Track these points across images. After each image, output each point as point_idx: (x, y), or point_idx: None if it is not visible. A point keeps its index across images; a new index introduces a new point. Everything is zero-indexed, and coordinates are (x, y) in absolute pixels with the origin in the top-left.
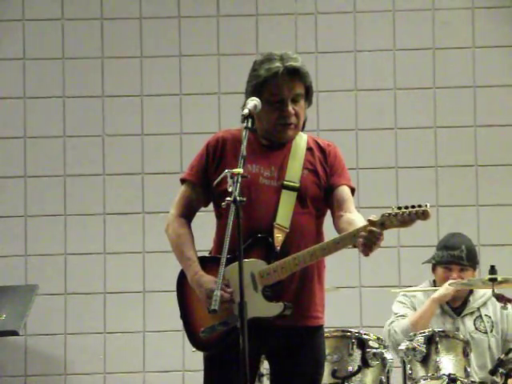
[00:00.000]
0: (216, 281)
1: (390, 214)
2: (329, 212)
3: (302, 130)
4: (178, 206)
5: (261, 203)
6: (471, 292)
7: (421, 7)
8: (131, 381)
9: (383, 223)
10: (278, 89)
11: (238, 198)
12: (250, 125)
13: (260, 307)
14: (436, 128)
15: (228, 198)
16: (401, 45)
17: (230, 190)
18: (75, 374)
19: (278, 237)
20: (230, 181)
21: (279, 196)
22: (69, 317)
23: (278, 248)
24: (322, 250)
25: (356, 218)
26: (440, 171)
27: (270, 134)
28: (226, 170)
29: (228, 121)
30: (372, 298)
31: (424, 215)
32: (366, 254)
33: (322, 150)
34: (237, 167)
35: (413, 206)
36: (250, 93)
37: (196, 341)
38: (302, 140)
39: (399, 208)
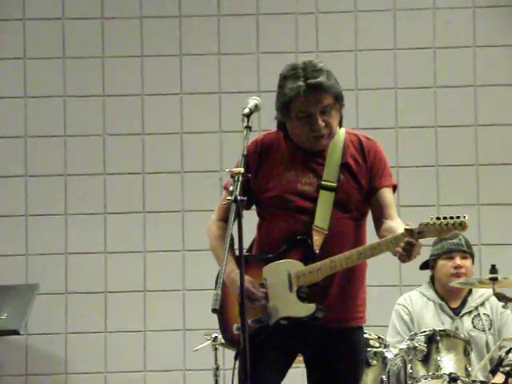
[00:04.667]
0: (250, 280)
1: (428, 223)
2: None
3: (340, 125)
4: (217, 211)
5: (299, 208)
6: (470, 292)
7: (421, 6)
8: (132, 380)
9: (421, 232)
10: (305, 106)
11: (238, 198)
12: (250, 124)
13: (292, 307)
14: (437, 127)
15: (229, 198)
16: (401, 44)
17: (230, 189)
18: (76, 373)
19: (317, 239)
20: (230, 180)
21: (317, 197)
22: (70, 316)
23: (317, 250)
24: (359, 254)
25: (396, 226)
26: (441, 170)
27: (302, 145)
28: (227, 169)
29: (228, 120)
30: (372, 297)
31: (461, 226)
32: (403, 261)
33: (361, 147)
34: (276, 171)
35: (451, 217)
36: (280, 110)
37: (228, 336)
38: (339, 139)
39: (438, 218)
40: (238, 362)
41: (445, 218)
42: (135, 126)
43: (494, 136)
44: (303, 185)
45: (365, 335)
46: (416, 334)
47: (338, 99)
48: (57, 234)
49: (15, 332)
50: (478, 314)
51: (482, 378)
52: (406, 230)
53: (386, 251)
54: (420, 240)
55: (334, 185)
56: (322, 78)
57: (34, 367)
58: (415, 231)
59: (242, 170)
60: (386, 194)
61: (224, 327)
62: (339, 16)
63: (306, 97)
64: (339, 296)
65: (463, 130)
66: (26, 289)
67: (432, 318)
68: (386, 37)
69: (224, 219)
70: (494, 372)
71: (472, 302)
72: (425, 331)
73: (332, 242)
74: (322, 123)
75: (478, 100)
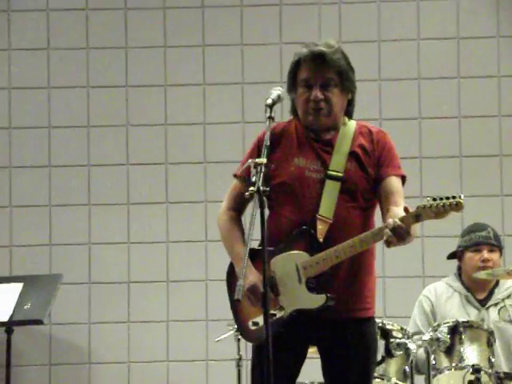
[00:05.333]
0: (261, 278)
1: (425, 205)
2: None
3: (350, 117)
4: (228, 200)
5: (305, 196)
6: (497, 284)
7: None
8: (155, 370)
9: (419, 215)
10: (305, 73)
11: (261, 188)
12: (273, 114)
13: (303, 299)
14: (461, 118)
15: (251, 188)
16: (425, 34)
17: (253, 180)
18: (99, 362)
19: (321, 228)
20: (253, 171)
21: (323, 186)
22: (93, 306)
23: (321, 239)
24: (361, 241)
25: (401, 212)
26: (464, 161)
27: (304, 121)
28: (250, 160)
29: (251, 111)
30: (396, 288)
31: (457, 207)
32: (389, 245)
33: (370, 138)
34: (285, 158)
35: (447, 198)
36: (288, 83)
37: (245, 332)
38: (348, 130)
39: (434, 199)
40: (253, 353)
41: (441, 198)
42: (158, 117)
43: None
44: (311, 171)
45: (388, 326)
46: (439, 325)
47: (343, 78)
48: (80, 224)
49: (39, 321)
50: (505, 306)
51: (506, 370)
52: (406, 210)
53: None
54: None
55: (340, 175)
56: (326, 50)
57: (58, 357)
58: (413, 214)
59: (264, 160)
60: (393, 182)
61: (240, 324)
62: (362, 6)
63: (308, 65)
64: (346, 286)
65: (486, 121)
66: (50, 279)
67: (457, 309)
68: (409, 27)
69: (235, 208)
70: None
71: (499, 294)
72: (448, 322)
73: (336, 231)
74: (320, 95)
75: (502, 91)
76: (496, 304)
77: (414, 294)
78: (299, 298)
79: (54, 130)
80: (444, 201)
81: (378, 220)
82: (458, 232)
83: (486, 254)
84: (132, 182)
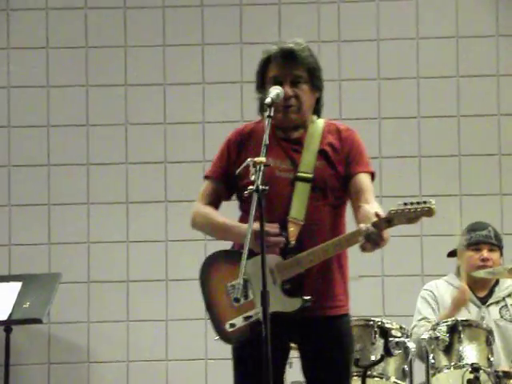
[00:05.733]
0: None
1: (396, 210)
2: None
3: (319, 116)
4: (200, 199)
5: (276, 197)
6: (497, 282)
7: None
8: (154, 369)
9: (391, 220)
10: (275, 70)
11: (260, 187)
12: (272, 113)
13: (279, 302)
14: (459, 117)
15: (250, 187)
16: (424, 33)
17: (252, 178)
18: (98, 361)
19: (292, 230)
20: (252, 169)
21: (293, 188)
22: (92, 305)
23: (293, 242)
24: (334, 246)
25: (372, 211)
26: (463, 160)
27: (274, 119)
28: (249, 159)
29: (250, 110)
30: (395, 287)
31: (429, 212)
32: (364, 251)
33: (339, 135)
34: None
35: (418, 203)
36: (256, 77)
37: (222, 333)
38: (317, 128)
39: (405, 204)
40: (232, 355)
41: (412, 203)
42: (157, 116)
43: None
44: (281, 171)
45: (387, 325)
46: (438, 324)
47: (313, 76)
48: (79, 223)
49: (38, 320)
50: (506, 305)
51: (506, 368)
52: (377, 215)
53: (361, 241)
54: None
55: (310, 176)
56: (295, 47)
57: (57, 356)
58: (385, 220)
59: (264, 159)
60: (363, 179)
61: (216, 325)
62: (361, 5)
63: (278, 62)
64: (319, 285)
65: (485, 120)
66: (49, 278)
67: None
68: (408, 26)
69: (211, 203)
70: None
71: (499, 292)
72: (447, 321)
73: (308, 232)
74: (290, 92)
75: (501, 89)
76: (497, 302)
77: (413, 293)
78: (275, 301)
79: (53, 128)
80: (415, 206)
81: (349, 216)
82: (456, 231)
83: (485, 254)
84: (131, 180)
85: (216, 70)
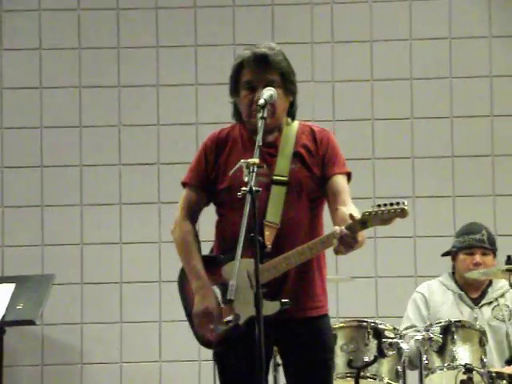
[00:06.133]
0: (216, 301)
1: (370, 212)
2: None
3: (293, 118)
4: (182, 209)
5: None
6: (490, 283)
7: None
8: (147, 370)
9: (365, 222)
10: (249, 76)
11: (254, 189)
12: (265, 114)
13: None
14: (452, 118)
15: (244, 189)
16: (417, 35)
17: (245, 180)
18: (91, 363)
19: (268, 234)
20: (245, 171)
21: (269, 192)
22: (85, 306)
23: (269, 246)
24: (310, 249)
25: (348, 213)
26: (456, 161)
27: (248, 124)
28: (242, 161)
29: None
30: (388, 288)
31: (402, 213)
32: (338, 253)
33: (313, 137)
34: (230, 163)
35: (391, 204)
36: (230, 82)
37: (202, 339)
38: (291, 130)
39: (379, 206)
40: (215, 361)
41: (385, 205)
42: (150, 117)
43: (509, 126)
44: (257, 175)
45: (380, 326)
46: (431, 325)
47: (286, 80)
48: (72, 225)
49: (31, 322)
50: (498, 305)
51: (498, 369)
52: (351, 218)
53: (335, 244)
54: (362, 234)
55: (285, 179)
56: (269, 51)
57: (50, 357)
58: (359, 221)
59: (257, 160)
60: (339, 180)
61: (197, 332)
62: (354, 6)
63: (251, 67)
64: (297, 287)
65: (479, 121)
66: (42, 279)
67: (450, 308)
68: (401, 27)
69: (189, 217)
70: (509, 362)
71: (492, 293)
72: (440, 322)
73: (284, 235)
74: None
75: (494, 90)
76: (489, 303)
77: (407, 294)
78: (253, 305)
79: (46, 130)
80: (388, 207)
81: (326, 217)
82: (450, 232)
83: (478, 258)
84: (124, 182)
85: (209, 71)
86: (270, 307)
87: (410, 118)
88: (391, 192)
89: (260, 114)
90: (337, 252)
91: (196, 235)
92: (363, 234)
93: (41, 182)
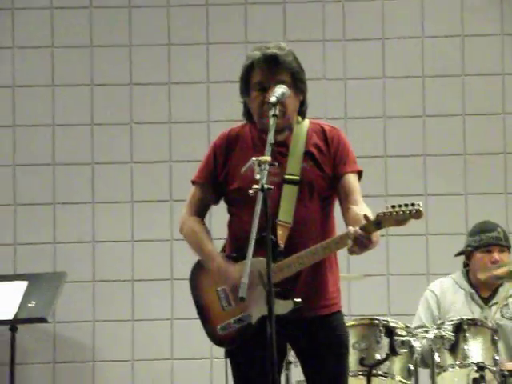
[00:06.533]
0: (239, 274)
1: (385, 213)
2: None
3: (304, 116)
4: (189, 206)
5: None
6: (501, 283)
7: None
8: (159, 368)
9: (379, 222)
10: (260, 77)
11: (265, 186)
12: (277, 112)
13: None
14: (465, 115)
15: (255, 186)
16: (429, 32)
17: (257, 177)
18: (103, 361)
19: (281, 234)
20: (256, 168)
21: (281, 191)
22: (97, 304)
23: (282, 245)
24: (323, 249)
25: (361, 213)
26: (468, 159)
27: (259, 124)
28: (254, 158)
29: None
30: (400, 285)
31: (417, 214)
32: (352, 253)
33: (324, 136)
34: (241, 163)
35: (406, 205)
36: (240, 87)
37: (214, 337)
38: (302, 129)
39: (393, 207)
40: (229, 359)
41: (400, 205)
42: (162, 115)
43: None
44: (269, 175)
45: (392, 324)
46: (443, 323)
47: (296, 80)
48: (84, 223)
49: (43, 320)
50: (507, 304)
51: (508, 367)
52: (366, 218)
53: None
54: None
55: (297, 178)
56: (278, 52)
57: (62, 355)
58: (374, 222)
59: (268, 158)
60: (350, 179)
61: (208, 329)
62: (366, 4)
63: (261, 68)
64: (309, 285)
65: (490, 118)
66: (54, 277)
67: (461, 306)
68: (413, 25)
69: (197, 214)
70: None
71: (503, 292)
72: (452, 320)
73: (297, 234)
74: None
75: (506, 88)
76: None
77: (418, 292)
78: (266, 304)
79: (58, 128)
80: (403, 208)
81: (337, 215)
82: (461, 230)
83: (496, 256)
84: (136, 179)
85: (221, 69)
86: (283, 306)
87: (422, 116)
88: (403, 190)
89: (272, 112)
90: (351, 252)
91: (205, 225)
92: (377, 234)
93: (53, 180)
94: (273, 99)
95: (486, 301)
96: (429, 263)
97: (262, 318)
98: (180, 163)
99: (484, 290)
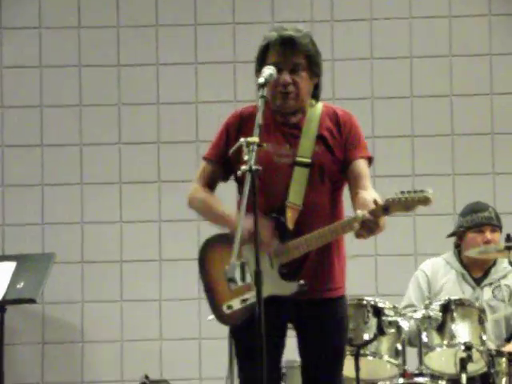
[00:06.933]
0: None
1: (393, 198)
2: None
3: (317, 100)
4: (198, 180)
5: (274, 182)
6: (494, 263)
7: None
8: (148, 348)
9: (387, 208)
10: (274, 57)
11: (253, 167)
12: (265, 93)
13: (276, 285)
14: (452, 96)
15: (243, 167)
16: (417, 13)
17: (245, 158)
18: (92, 341)
19: (290, 216)
20: (245, 149)
21: (292, 173)
22: (86, 285)
23: (291, 227)
24: (331, 232)
25: (369, 198)
26: (456, 139)
27: (273, 105)
28: (242, 139)
29: (243, 90)
30: (388, 266)
31: (425, 201)
32: (359, 237)
33: (336, 120)
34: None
35: (415, 192)
36: (256, 63)
37: (219, 315)
38: (315, 112)
39: (402, 193)
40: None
41: (409, 192)
42: (150, 96)
43: (509, 104)
44: (279, 157)
45: (380, 304)
46: (431, 303)
47: (312, 63)
48: (73, 204)
49: (32, 301)
50: (499, 286)
51: (495, 347)
52: (375, 203)
53: (357, 228)
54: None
55: (308, 160)
56: (295, 34)
57: (51, 336)
58: (382, 207)
59: (256, 139)
60: (361, 164)
61: (214, 306)
62: None
63: (277, 49)
64: (316, 268)
65: (478, 99)
66: (43, 258)
67: (453, 286)
68: (400, 6)
69: (208, 185)
70: (509, 340)
71: (495, 273)
72: (440, 300)
73: (306, 217)
74: (289, 79)
75: (493, 69)
76: (491, 284)
77: (406, 273)
78: (272, 284)
79: (46, 109)
80: (412, 194)
81: (346, 199)
82: (449, 210)
83: (488, 235)
84: (124, 161)
85: (209, 50)
86: (288, 287)
87: (409, 97)
88: (391, 171)
89: (260, 93)
90: (358, 236)
91: (214, 193)
92: (384, 219)
93: (41, 161)
94: (260, 80)
95: (478, 281)
96: (416, 244)
97: (268, 297)
98: (168, 144)
99: (476, 271)
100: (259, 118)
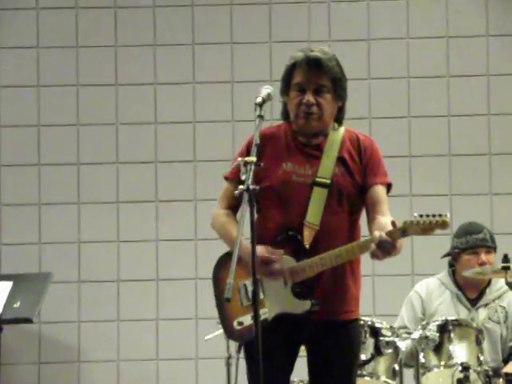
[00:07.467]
0: (262, 246)
1: (412, 221)
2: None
3: (341, 124)
4: (221, 202)
5: (293, 201)
6: (488, 284)
7: None
8: (144, 368)
9: (405, 230)
10: (300, 77)
11: (250, 187)
12: (262, 113)
13: (288, 303)
14: (450, 116)
15: (241, 187)
16: (414, 33)
17: (242, 178)
18: (89, 361)
19: (307, 235)
20: (242, 169)
21: (311, 193)
22: (82, 304)
23: (307, 246)
24: (347, 252)
25: (387, 223)
26: (453, 160)
27: (295, 124)
28: (240, 159)
29: (241, 109)
30: (385, 286)
31: (443, 225)
32: (374, 258)
33: (358, 144)
34: (274, 162)
35: (433, 215)
36: (282, 82)
37: (230, 331)
38: (337, 135)
39: (421, 216)
40: (244, 353)
41: (427, 215)
42: (148, 115)
43: (506, 125)
44: (298, 176)
45: (377, 324)
46: (428, 324)
47: (336, 86)
48: (70, 223)
49: (28, 320)
50: (493, 306)
51: (493, 365)
52: (393, 224)
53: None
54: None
55: (328, 181)
56: (322, 55)
57: (47, 355)
58: (400, 230)
59: (254, 159)
60: (379, 190)
61: (225, 323)
62: (352, 5)
63: (303, 70)
64: (330, 289)
65: (476, 120)
66: (39, 277)
67: (447, 308)
68: (398, 26)
69: (229, 207)
70: (506, 361)
71: (490, 294)
72: (437, 320)
73: (323, 237)
74: (312, 100)
75: (491, 89)
76: (486, 304)
77: (404, 293)
78: (284, 301)
79: (44, 128)
80: (430, 218)
81: (363, 224)
82: (447, 230)
83: (483, 257)
84: (121, 180)
85: (207, 69)
86: (300, 306)
87: (407, 117)
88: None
89: (257, 113)
90: (373, 256)
91: (235, 217)
92: (401, 242)
93: (38, 180)
94: (258, 100)
95: (473, 302)
96: (414, 264)
97: (278, 315)
98: (166, 163)
99: (471, 291)
100: (256, 139)
